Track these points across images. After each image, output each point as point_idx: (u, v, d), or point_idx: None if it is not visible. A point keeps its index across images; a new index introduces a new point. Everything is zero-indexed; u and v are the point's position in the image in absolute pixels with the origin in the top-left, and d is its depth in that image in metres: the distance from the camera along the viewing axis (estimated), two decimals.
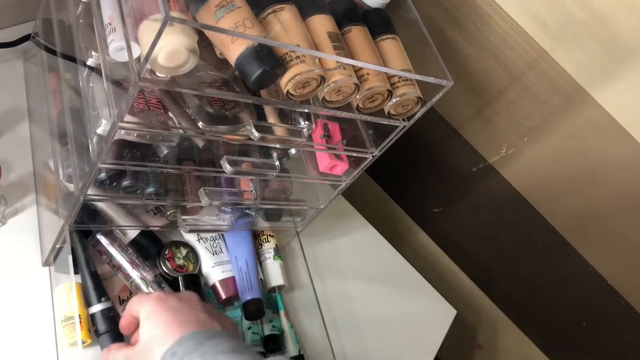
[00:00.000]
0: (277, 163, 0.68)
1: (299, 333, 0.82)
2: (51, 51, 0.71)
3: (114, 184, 0.63)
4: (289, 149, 0.70)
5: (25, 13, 0.82)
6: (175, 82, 0.53)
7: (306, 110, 0.63)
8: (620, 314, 1.02)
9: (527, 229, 1.05)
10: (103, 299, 0.65)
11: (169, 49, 0.48)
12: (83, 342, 0.63)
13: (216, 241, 0.81)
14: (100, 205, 0.69)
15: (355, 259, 0.96)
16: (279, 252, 0.85)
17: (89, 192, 0.60)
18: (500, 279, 1.17)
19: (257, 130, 0.58)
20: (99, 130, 0.55)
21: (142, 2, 0.51)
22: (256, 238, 0.85)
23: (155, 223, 0.74)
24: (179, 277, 0.74)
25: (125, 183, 0.64)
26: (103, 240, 0.69)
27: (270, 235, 0.85)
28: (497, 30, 0.85)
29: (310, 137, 0.66)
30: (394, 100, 0.62)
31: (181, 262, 0.76)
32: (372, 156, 0.71)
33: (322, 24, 0.60)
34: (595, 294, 1.03)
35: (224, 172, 0.63)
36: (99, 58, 0.58)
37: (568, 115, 0.86)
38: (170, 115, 0.57)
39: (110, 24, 0.53)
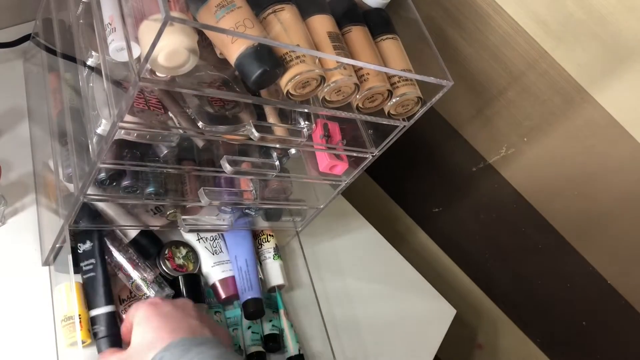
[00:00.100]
0: (277, 163, 0.68)
1: (298, 332, 0.82)
2: (51, 51, 0.71)
3: (114, 183, 0.63)
4: (289, 149, 0.70)
5: (25, 13, 0.82)
6: (175, 82, 0.53)
7: (306, 110, 0.63)
8: (620, 314, 1.02)
9: (527, 229, 1.05)
10: (108, 302, 0.65)
11: (169, 49, 0.48)
12: (83, 342, 0.63)
13: (216, 241, 0.81)
14: (100, 205, 0.69)
15: (355, 258, 0.96)
16: (278, 252, 0.85)
17: (89, 192, 0.60)
18: (500, 279, 1.17)
19: (257, 130, 0.58)
20: (99, 130, 0.55)
21: (142, 2, 0.51)
22: (256, 238, 0.85)
23: (155, 223, 0.74)
24: (179, 277, 0.74)
25: (125, 183, 0.64)
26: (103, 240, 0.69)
27: (270, 235, 0.85)
28: (497, 30, 0.85)
29: (310, 137, 0.66)
30: (394, 100, 0.62)
31: (181, 261, 0.77)
32: (372, 156, 0.71)
33: (322, 24, 0.60)
34: (595, 294, 1.03)
35: (224, 172, 0.63)
36: (99, 58, 0.58)
37: (568, 115, 0.86)
38: (170, 115, 0.57)
39: (111, 24, 0.53)
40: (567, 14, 0.77)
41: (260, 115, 0.62)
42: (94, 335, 0.63)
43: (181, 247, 0.78)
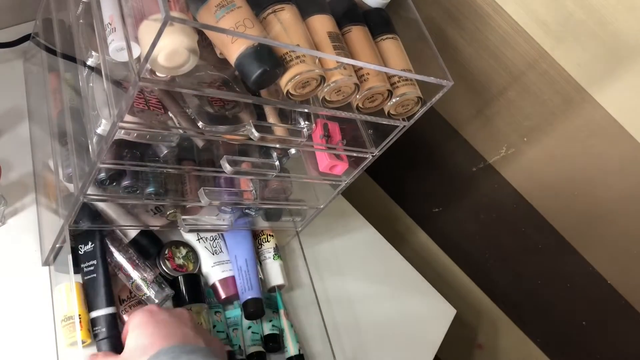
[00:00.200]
0: (277, 163, 0.68)
1: (298, 332, 0.82)
2: (51, 51, 0.71)
3: (114, 183, 0.63)
4: (289, 149, 0.70)
5: (25, 13, 0.82)
6: (175, 82, 0.53)
7: (306, 110, 0.63)
8: (620, 314, 1.02)
9: (527, 229, 1.05)
10: (109, 304, 0.65)
11: (169, 49, 0.48)
12: (83, 342, 0.63)
13: (216, 241, 0.81)
14: (100, 205, 0.69)
15: (355, 258, 0.96)
16: (278, 252, 0.85)
17: (89, 192, 0.60)
18: (500, 279, 1.17)
19: (257, 130, 0.58)
20: (99, 130, 0.55)
21: (142, 2, 0.51)
22: (256, 238, 0.85)
23: (155, 223, 0.74)
24: (179, 277, 0.74)
25: (125, 183, 0.64)
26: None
27: (270, 235, 0.85)
28: (497, 30, 0.85)
29: (310, 137, 0.66)
30: (394, 100, 0.62)
31: (181, 261, 0.76)
32: (372, 156, 0.71)
33: (322, 23, 0.60)
34: (595, 294, 1.03)
35: (224, 172, 0.63)
36: (99, 58, 0.58)
37: (568, 115, 0.86)
38: (170, 115, 0.57)
39: (111, 24, 0.53)
40: (567, 14, 0.77)
41: (260, 115, 0.62)
42: (95, 337, 0.63)
43: (181, 247, 0.78)
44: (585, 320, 1.09)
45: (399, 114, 0.65)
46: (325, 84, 0.57)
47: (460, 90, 0.94)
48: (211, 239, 0.80)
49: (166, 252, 0.76)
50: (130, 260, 0.70)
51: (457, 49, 0.91)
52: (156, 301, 0.69)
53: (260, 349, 0.76)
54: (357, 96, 0.60)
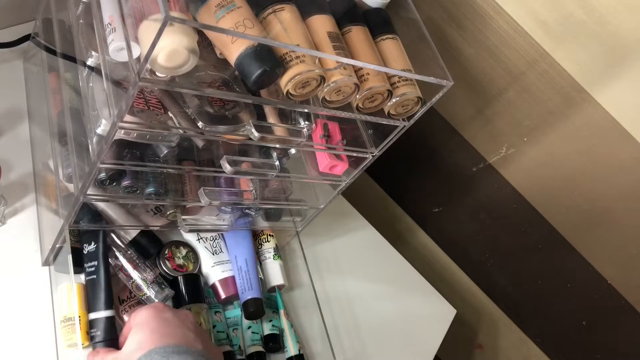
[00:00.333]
0: (277, 163, 0.68)
1: (298, 333, 0.82)
2: (51, 51, 0.71)
3: (114, 183, 0.63)
4: (289, 149, 0.70)
5: (25, 13, 0.82)
6: (175, 82, 0.53)
7: (306, 110, 0.63)
8: (620, 314, 1.02)
9: (527, 229, 1.05)
10: (108, 306, 0.65)
11: (169, 49, 0.48)
12: (82, 344, 0.63)
13: (216, 241, 0.81)
14: (100, 205, 0.69)
15: (355, 259, 0.96)
16: (278, 252, 0.85)
17: (89, 192, 0.60)
18: (500, 279, 1.17)
19: (257, 130, 0.58)
20: (99, 130, 0.55)
21: (142, 2, 0.51)
22: (256, 238, 0.85)
23: (155, 223, 0.74)
24: (179, 277, 0.74)
25: (125, 183, 0.64)
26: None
27: (270, 235, 0.85)
28: (497, 30, 0.85)
29: (310, 137, 0.66)
30: (394, 100, 0.62)
31: (181, 261, 0.76)
32: (372, 156, 0.71)
33: (322, 24, 0.60)
34: (595, 294, 1.03)
35: (224, 172, 0.63)
36: (99, 58, 0.58)
37: (568, 115, 0.86)
38: (170, 115, 0.57)
39: (111, 24, 0.53)
40: (567, 14, 0.77)
41: (260, 115, 0.62)
42: (91, 339, 0.63)
43: (181, 247, 0.78)
44: (585, 320, 1.09)
45: (399, 114, 0.65)
46: (325, 84, 0.57)
47: (460, 90, 0.94)
48: (211, 239, 0.80)
49: (166, 252, 0.76)
50: (130, 260, 0.70)
51: (457, 49, 0.91)
52: (156, 301, 0.69)
53: (260, 349, 0.76)
54: (357, 96, 0.60)
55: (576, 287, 1.05)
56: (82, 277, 0.66)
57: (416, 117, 0.65)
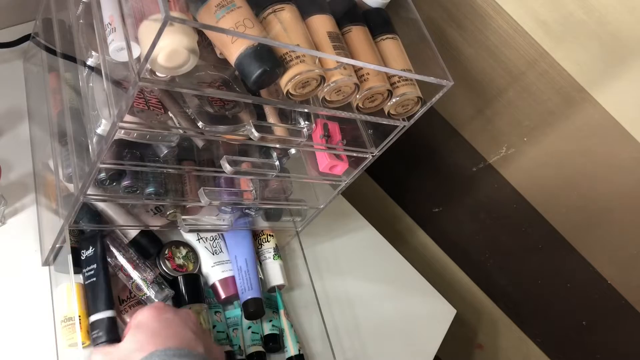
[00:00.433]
0: (277, 163, 0.68)
1: (298, 333, 0.82)
2: (51, 51, 0.71)
3: (114, 183, 0.63)
4: (289, 149, 0.70)
5: (25, 13, 0.82)
6: (175, 82, 0.53)
7: (306, 110, 0.63)
8: (620, 314, 1.02)
9: (527, 229, 1.05)
10: (108, 307, 0.65)
11: (169, 49, 0.48)
12: (82, 343, 0.63)
13: (216, 241, 0.81)
14: (100, 205, 0.69)
15: (355, 259, 0.96)
16: (278, 252, 0.85)
17: (89, 192, 0.60)
18: (500, 279, 1.17)
19: (257, 130, 0.58)
20: (99, 130, 0.55)
21: (142, 2, 0.51)
22: (256, 238, 0.85)
23: (155, 223, 0.74)
24: (179, 277, 0.74)
25: (125, 183, 0.64)
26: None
27: (270, 235, 0.85)
28: (497, 30, 0.85)
29: (310, 137, 0.66)
30: (394, 100, 0.62)
31: (181, 261, 0.76)
32: (372, 156, 0.71)
33: (322, 23, 0.60)
34: (595, 294, 1.03)
35: (224, 172, 0.63)
36: (99, 58, 0.58)
37: (568, 115, 0.86)
38: (170, 115, 0.57)
39: (111, 24, 0.53)
40: (567, 14, 0.77)
41: (260, 115, 0.62)
42: (93, 341, 0.63)
43: (181, 247, 0.78)
44: (585, 320, 1.09)
45: (399, 114, 0.65)
46: (325, 84, 0.57)
47: (460, 90, 0.94)
48: (211, 239, 0.80)
49: (166, 252, 0.76)
50: (130, 260, 0.70)
51: (457, 49, 0.91)
52: (156, 301, 0.69)
53: (260, 349, 0.76)
54: (357, 96, 0.60)
55: (576, 287, 1.05)
56: (82, 277, 0.66)
57: (416, 117, 0.65)
